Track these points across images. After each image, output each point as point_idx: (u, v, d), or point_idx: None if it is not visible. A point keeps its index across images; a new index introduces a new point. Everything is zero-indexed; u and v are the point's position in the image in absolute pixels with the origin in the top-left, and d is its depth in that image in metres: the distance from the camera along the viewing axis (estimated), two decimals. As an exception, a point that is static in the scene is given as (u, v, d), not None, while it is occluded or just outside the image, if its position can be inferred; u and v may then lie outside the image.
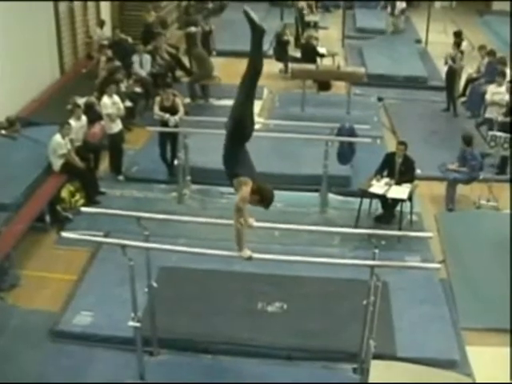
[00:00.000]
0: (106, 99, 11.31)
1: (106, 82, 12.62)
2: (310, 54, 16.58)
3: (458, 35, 15.83)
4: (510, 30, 18.43)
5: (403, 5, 20.65)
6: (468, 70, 15.99)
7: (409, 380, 6.88)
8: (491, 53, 14.92)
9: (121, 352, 7.22)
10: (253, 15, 5.35)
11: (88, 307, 7.87)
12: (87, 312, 7.79)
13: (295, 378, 7.00)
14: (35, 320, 7.75)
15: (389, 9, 21.41)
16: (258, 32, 5.40)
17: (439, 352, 7.30)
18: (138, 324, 6.56)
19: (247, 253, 5.88)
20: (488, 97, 12.50)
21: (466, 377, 7.05)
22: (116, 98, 11.48)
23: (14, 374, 6.93)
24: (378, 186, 9.78)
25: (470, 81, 15.20)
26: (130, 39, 16.70)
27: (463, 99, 15.20)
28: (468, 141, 10.57)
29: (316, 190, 10.63)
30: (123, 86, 13.55)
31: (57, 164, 10.24)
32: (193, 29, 16.81)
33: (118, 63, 14.45)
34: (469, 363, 7.30)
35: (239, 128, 5.74)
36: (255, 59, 5.55)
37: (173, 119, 10.89)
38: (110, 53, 14.94)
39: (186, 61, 16.54)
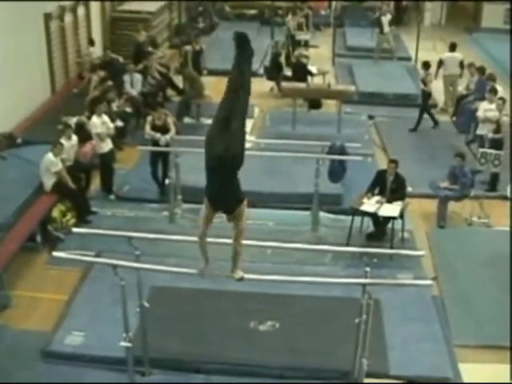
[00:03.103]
0: (95, 119, 11.33)
1: (97, 101, 12.64)
2: (301, 72, 16.65)
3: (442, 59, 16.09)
4: (510, 49, 18.43)
5: (388, 17, 20.61)
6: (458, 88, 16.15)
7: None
8: (481, 70, 15.02)
9: (112, 372, 7.19)
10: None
11: (79, 327, 7.84)
12: (79, 332, 7.76)
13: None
14: (27, 340, 7.70)
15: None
16: (249, 53, 5.32)
17: (432, 369, 7.31)
18: (129, 344, 6.53)
19: (240, 273, 5.87)
20: (480, 114, 12.56)
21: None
22: (105, 117, 11.50)
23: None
24: (370, 204, 9.81)
25: (460, 98, 15.30)
26: (120, 59, 16.74)
27: (455, 118, 15.30)
28: (461, 158, 10.65)
29: (307, 209, 10.63)
30: (115, 106, 13.57)
31: (48, 183, 10.22)
32: (187, 47, 16.92)
33: (109, 83, 14.50)
34: (462, 380, 7.29)
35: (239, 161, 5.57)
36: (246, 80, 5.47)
37: (164, 138, 10.91)
38: (102, 73, 14.99)
39: (177, 80, 16.56)
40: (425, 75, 14.84)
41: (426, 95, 14.83)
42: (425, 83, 14.72)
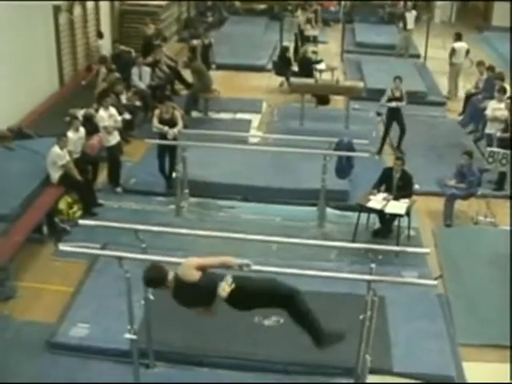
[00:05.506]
0: (102, 112, 11.35)
1: (105, 93, 12.64)
2: (307, 68, 16.65)
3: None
4: (510, 46, 18.52)
5: (413, 14, 20.61)
6: (467, 86, 16.12)
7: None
8: (490, 68, 15.00)
9: (117, 364, 7.21)
10: None
11: (85, 319, 7.86)
12: (84, 324, 7.78)
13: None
14: (32, 331, 7.73)
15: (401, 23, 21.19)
16: None
17: (435, 367, 7.29)
18: (134, 336, 6.54)
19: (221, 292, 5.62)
20: (489, 112, 12.53)
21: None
22: (112, 110, 11.51)
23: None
24: (376, 201, 9.79)
25: (468, 96, 15.26)
26: (133, 52, 16.71)
27: (463, 116, 15.26)
28: (469, 156, 10.61)
29: (314, 205, 10.63)
30: (123, 99, 13.58)
31: (55, 176, 10.24)
32: (194, 42, 16.93)
33: (117, 75, 14.51)
34: (465, 379, 7.28)
35: None
36: None
37: (171, 132, 10.91)
38: (111, 64, 15.03)
39: (186, 74, 16.55)
40: (398, 90, 13.08)
41: (399, 113, 13.18)
42: (400, 99, 13.04)
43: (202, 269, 5.60)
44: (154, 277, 5.67)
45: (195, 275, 5.53)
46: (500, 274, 9.08)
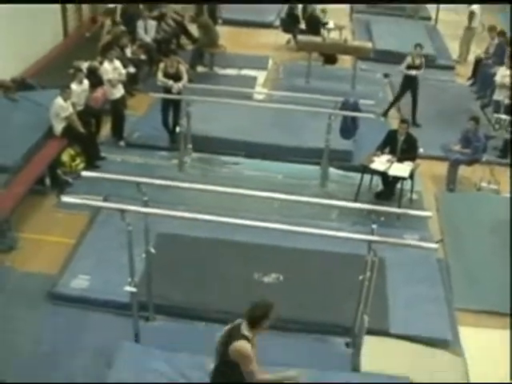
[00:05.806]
0: (106, 65, 11.24)
1: (109, 46, 12.51)
2: (314, 26, 16.46)
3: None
4: (510, 12, 18.26)
5: None
6: (476, 51, 15.93)
7: (399, 356, 6.95)
8: (502, 33, 14.78)
9: (117, 316, 7.27)
10: None
11: (86, 271, 7.90)
12: (85, 276, 7.83)
13: (288, 348, 7.02)
14: (33, 282, 7.77)
15: None
16: None
17: (431, 331, 7.34)
18: (134, 289, 6.57)
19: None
20: (498, 79, 12.39)
21: (457, 356, 7.11)
22: (117, 63, 11.39)
23: (11, 334, 6.99)
24: (380, 163, 9.76)
25: (478, 61, 15.08)
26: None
27: (471, 81, 15.13)
28: (475, 122, 10.52)
29: (317, 164, 10.59)
30: (128, 52, 13.45)
31: (58, 128, 10.18)
32: (201, -4, 16.72)
33: (122, 28, 14.33)
34: (460, 343, 7.34)
35: None
36: None
37: (176, 86, 10.81)
38: (117, 16, 14.84)
39: (192, 29, 16.36)
40: (418, 58, 12.54)
41: (415, 81, 12.65)
42: (419, 67, 12.52)
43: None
44: (257, 315, 5.53)
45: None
46: (501, 240, 9.09)
